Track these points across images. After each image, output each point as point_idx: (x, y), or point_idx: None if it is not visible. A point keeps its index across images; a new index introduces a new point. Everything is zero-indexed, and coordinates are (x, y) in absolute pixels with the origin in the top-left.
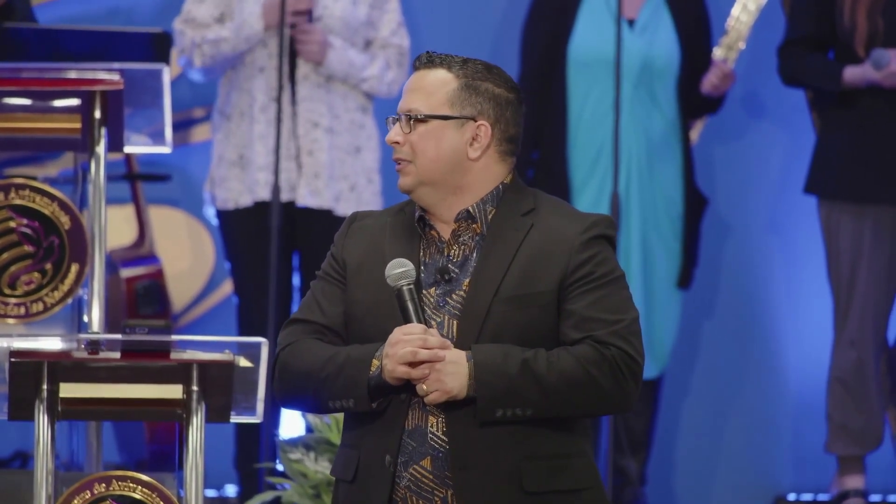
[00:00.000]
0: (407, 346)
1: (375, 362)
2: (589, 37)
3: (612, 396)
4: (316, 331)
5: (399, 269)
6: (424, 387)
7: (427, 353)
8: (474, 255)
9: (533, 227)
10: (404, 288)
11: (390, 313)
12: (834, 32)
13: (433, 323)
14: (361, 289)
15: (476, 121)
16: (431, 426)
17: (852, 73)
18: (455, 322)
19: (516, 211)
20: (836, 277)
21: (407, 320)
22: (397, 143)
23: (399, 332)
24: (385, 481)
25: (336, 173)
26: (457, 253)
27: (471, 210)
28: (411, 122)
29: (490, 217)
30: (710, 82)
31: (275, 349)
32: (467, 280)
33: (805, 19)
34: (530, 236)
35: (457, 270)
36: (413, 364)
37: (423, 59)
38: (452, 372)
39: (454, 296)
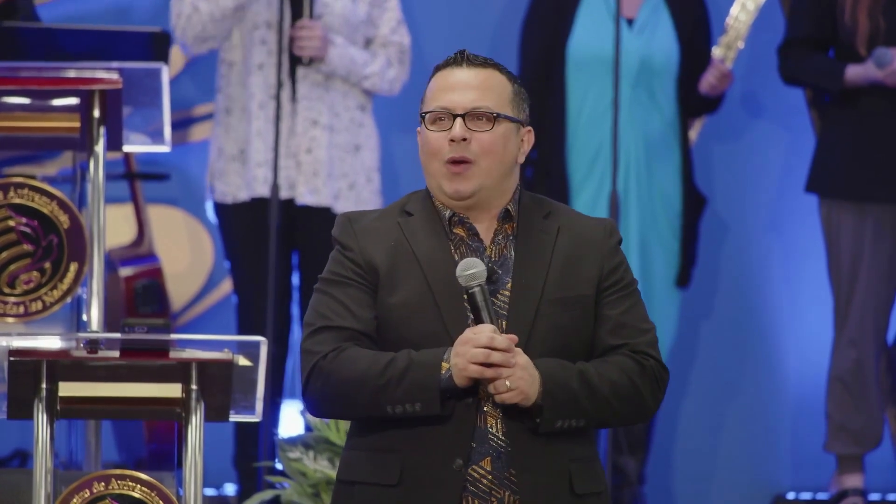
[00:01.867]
0: (477, 346)
1: (445, 365)
2: (588, 36)
3: (649, 406)
4: (351, 337)
5: (472, 270)
6: (508, 382)
7: (500, 356)
8: (511, 254)
9: (560, 229)
10: (476, 289)
11: (432, 317)
12: (834, 31)
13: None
14: (397, 293)
15: (524, 126)
16: (491, 427)
17: (854, 72)
18: (503, 323)
19: (538, 213)
20: (837, 276)
21: (478, 321)
22: (465, 140)
23: (469, 332)
24: (455, 484)
25: (335, 171)
26: (494, 253)
27: (510, 209)
28: (495, 119)
29: (518, 218)
30: (707, 82)
31: (275, 349)
32: (508, 281)
33: (805, 18)
34: (560, 238)
35: (499, 271)
36: (485, 364)
37: (474, 59)
38: (530, 376)
39: (499, 296)
